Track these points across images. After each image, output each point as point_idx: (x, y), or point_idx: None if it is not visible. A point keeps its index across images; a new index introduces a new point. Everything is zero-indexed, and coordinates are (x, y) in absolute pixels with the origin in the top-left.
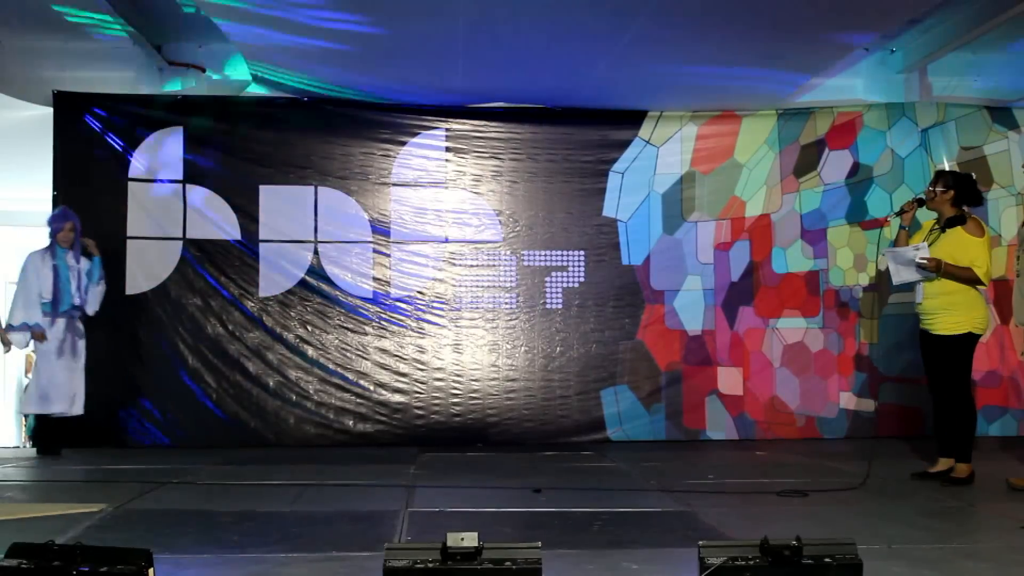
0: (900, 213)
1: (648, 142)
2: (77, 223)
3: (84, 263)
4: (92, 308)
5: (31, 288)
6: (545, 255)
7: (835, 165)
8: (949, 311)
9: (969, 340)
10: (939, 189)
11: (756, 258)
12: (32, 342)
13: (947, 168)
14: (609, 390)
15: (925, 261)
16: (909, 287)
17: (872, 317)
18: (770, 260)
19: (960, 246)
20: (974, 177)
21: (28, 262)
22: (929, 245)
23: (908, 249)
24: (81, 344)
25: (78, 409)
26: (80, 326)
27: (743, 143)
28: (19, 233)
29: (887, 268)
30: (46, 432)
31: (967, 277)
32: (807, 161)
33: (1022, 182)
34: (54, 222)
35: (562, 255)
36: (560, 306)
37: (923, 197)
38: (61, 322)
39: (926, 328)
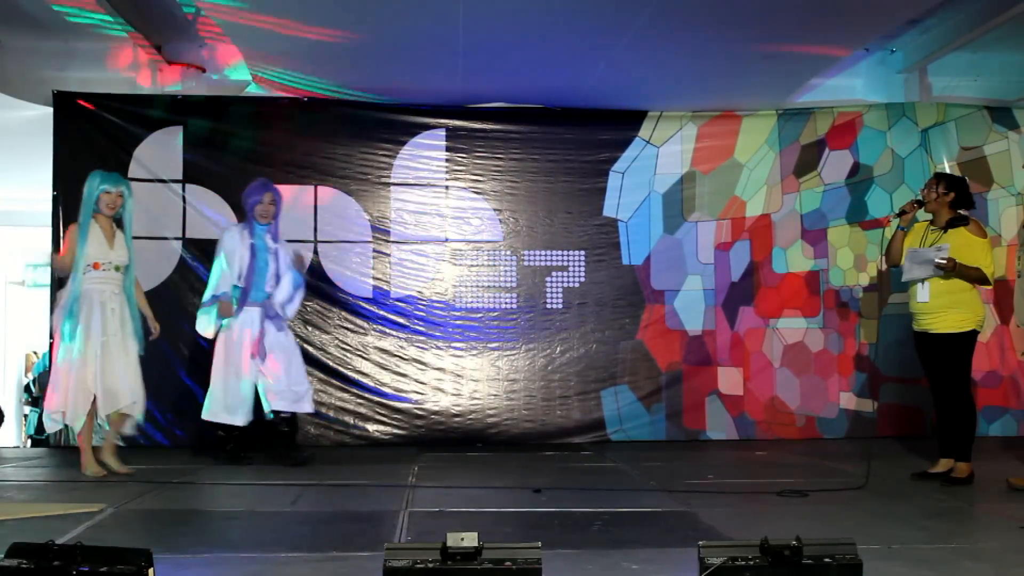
0: (901, 214)
1: (648, 142)
2: (278, 196)
3: (283, 253)
4: (291, 308)
5: (232, 265)
6: (545, 255)
7: (835, 165)
8: (955, 309)
9: (972, 337)
10: (941, 191)
11: (756, 258)
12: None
13: (947, 170)
14: (609, 390)
15: (944, 261)
16: (905, 287)
17: (872, 317)
18: (770, 260)
19: (966, 247)
20: (967, 180)
21: (227, 238)
22: (930, 246)
23: (930, 250)
24: (285, 338)
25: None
26: (280, 319)
27: (743, 143)
28: (19, 233)
29: (889, 267)
30: (233, 438)
31: (977, 277)
32: (807, 161)
33: (1022, 182)
34: (252, 194)
35: (562, 255)
36: (560, 306)
37: (922, 199)
38: (255, 312)
39: (925, 328)
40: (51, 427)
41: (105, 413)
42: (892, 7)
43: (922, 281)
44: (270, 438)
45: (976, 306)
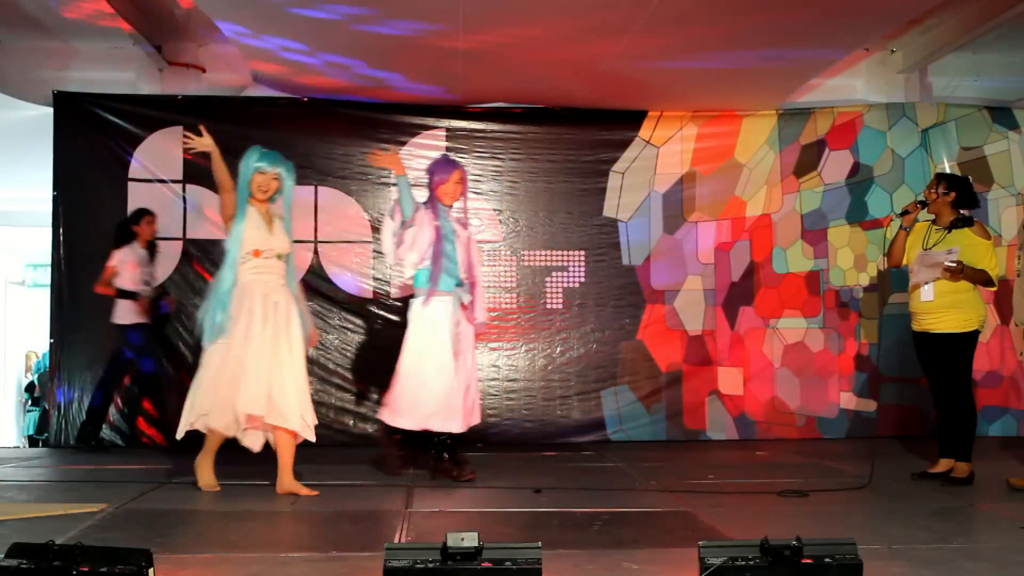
0: (904, 214)
1: (648, 142)
2: (466, 175)
3: (475, 244)
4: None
5: (418, 245)
6: (545, 255)
7: (835, 165)
8: (958, 308)
9: (975, 337)
10: (942, 191)
11: (756, 258)
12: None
13: (947, 169)
14: (609, 390)
15: (955, 264)
16: (905, 287)
17: (872, 317)
18: (770, 260)
19: (971, 248)
20: (970, 180)
21: (418, 215)
22: (933, 246)
23: (940, 252)
24: (471, 336)
25: (455, 426)
26: (469, 311)
27: (743, 143)
28: (19, 233)
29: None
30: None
31: (982, 279)
32: (807, 161)
33: (1022, 182)
34: (436, 171)
35: (562, 255)
36: (560, 306)
37: (924, 199)
38: (447, 302)
39: (927, 328)
40: (184, 429)
41: (269, 422)
42: (892, 7)
43: (926, 282)
44: (433, 448)
45: (979, 306)
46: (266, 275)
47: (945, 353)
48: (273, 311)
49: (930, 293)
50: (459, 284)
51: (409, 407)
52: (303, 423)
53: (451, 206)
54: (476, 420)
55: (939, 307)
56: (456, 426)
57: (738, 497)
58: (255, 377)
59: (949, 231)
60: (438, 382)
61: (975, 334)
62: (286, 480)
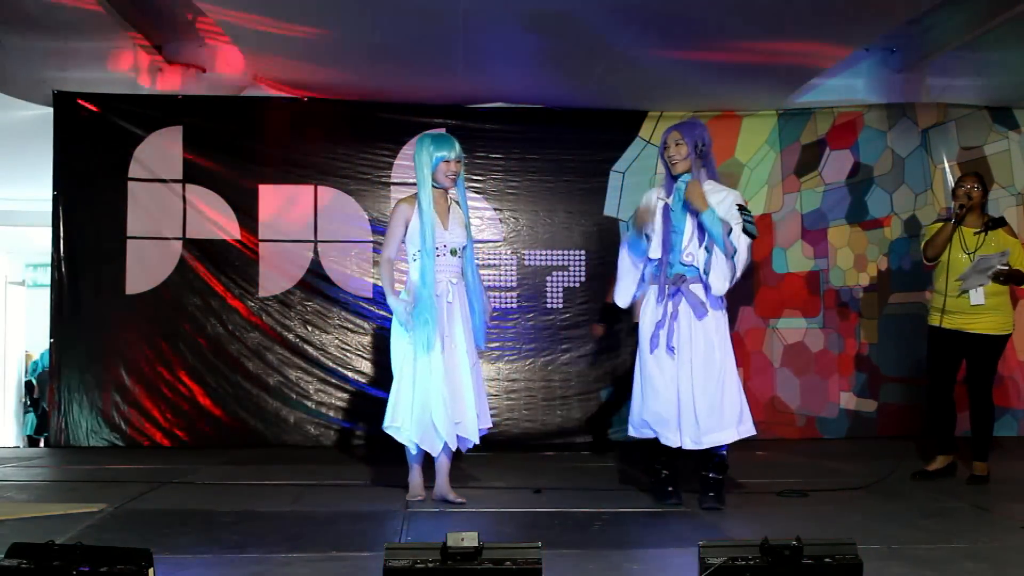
0: (960, 208)
1: (649, 142)
2: (697, 134)
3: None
4: (718, 284)
5: (651, 236)
6: (546, 254)
7: (836, 165)
8: (997, 311)
9: (1007, 340)
10: (980, 189)
11: (756, 258)
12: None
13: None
14: (609, 390)
15: (1007, 266)
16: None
17: (872, 317)
18: (770, 260)
19: (1007, 248)
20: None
21: (642, 200)
22: (976, 249)
23: (994, 256)
24: (712, 325)
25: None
26: (708, 305)
27: (743, 143)
28: (19, 233)
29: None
30: (663, 464)
31: (1018, 277)
32: (808, 161)
33: (1022, 182)
34: (690, 129)
35: (563, 254)
36: (561, 306)
37: (963, 204)
38: (671, 298)
39: (962, 327)
40: (391, 429)
41: (463, 434)
42: (892, 7)
43: (977, 286)
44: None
45: (1011, 309)
46: (440, 274)
47: (979, 353)
48: (447, 312)
49: (981, 296)
50: (684, 265)
51: (650, 416)
52: (470, 428)
53: (682, 176)
54: (733, 435)
55: (981, 308)
56: (673, 437)
57: (738, 497)
58: (439, 393)
59: (985, 232)
60: (665, 383)
61: (1008, 337)
62: (444, 486)
